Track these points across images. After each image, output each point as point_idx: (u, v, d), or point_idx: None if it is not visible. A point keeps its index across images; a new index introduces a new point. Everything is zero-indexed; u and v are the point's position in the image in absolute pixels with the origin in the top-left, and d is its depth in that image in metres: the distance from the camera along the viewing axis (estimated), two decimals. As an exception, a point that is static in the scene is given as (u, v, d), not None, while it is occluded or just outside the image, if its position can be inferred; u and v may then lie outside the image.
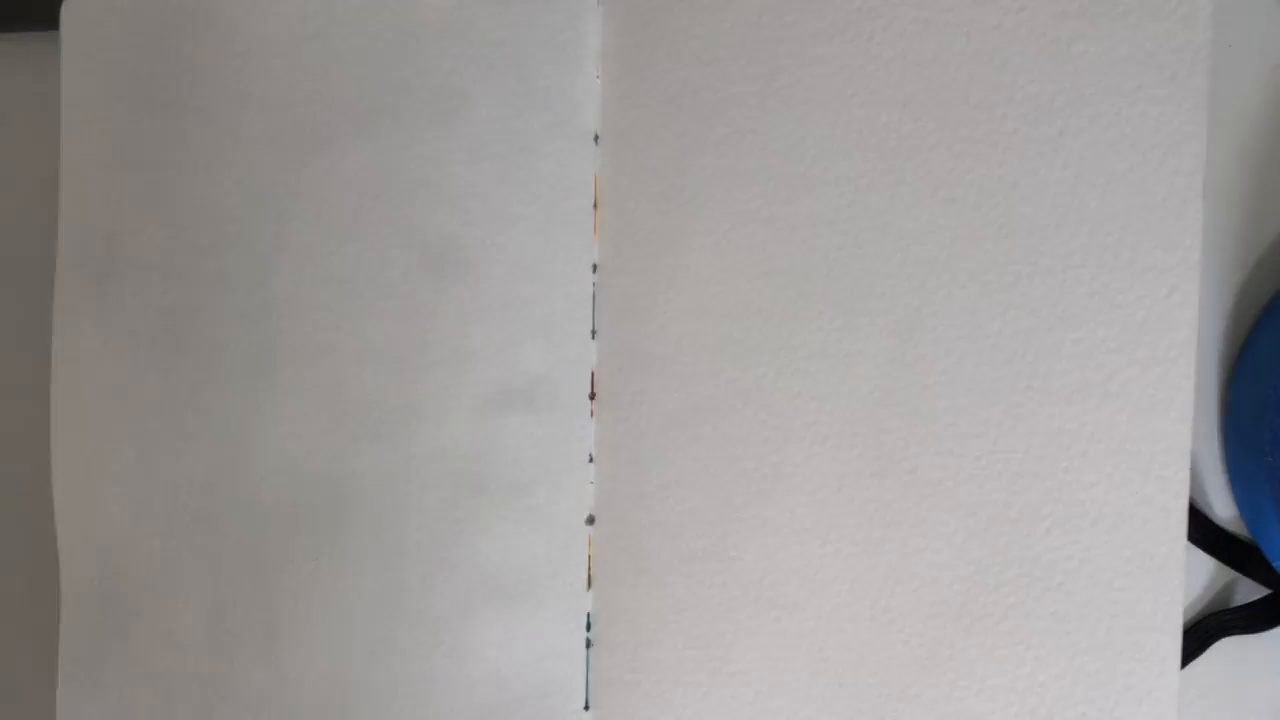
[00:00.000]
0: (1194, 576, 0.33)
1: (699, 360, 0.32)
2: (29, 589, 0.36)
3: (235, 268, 0.33)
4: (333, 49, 0.32)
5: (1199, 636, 0.32)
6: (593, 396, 0.32)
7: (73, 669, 0.33)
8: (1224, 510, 0.33)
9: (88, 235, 0.33)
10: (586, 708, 0.32)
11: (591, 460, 0.32)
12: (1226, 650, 0.32)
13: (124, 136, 0.33)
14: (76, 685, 0.33)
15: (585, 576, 0.32)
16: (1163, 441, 0.29)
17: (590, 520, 0.33)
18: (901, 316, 0.30)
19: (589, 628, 0.32)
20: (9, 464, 0.36)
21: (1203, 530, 0.32)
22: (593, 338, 0.32)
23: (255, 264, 0.33)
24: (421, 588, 0.33)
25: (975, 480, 0.30)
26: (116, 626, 0.33)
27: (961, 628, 0.30)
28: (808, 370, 0.31)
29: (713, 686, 0.32)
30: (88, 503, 0.33)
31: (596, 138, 0.32)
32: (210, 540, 0.33)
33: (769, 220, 0.31)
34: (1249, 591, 0.33)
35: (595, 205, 0.32)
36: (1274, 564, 0.31)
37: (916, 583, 0.30)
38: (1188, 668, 0.32)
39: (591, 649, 0.32)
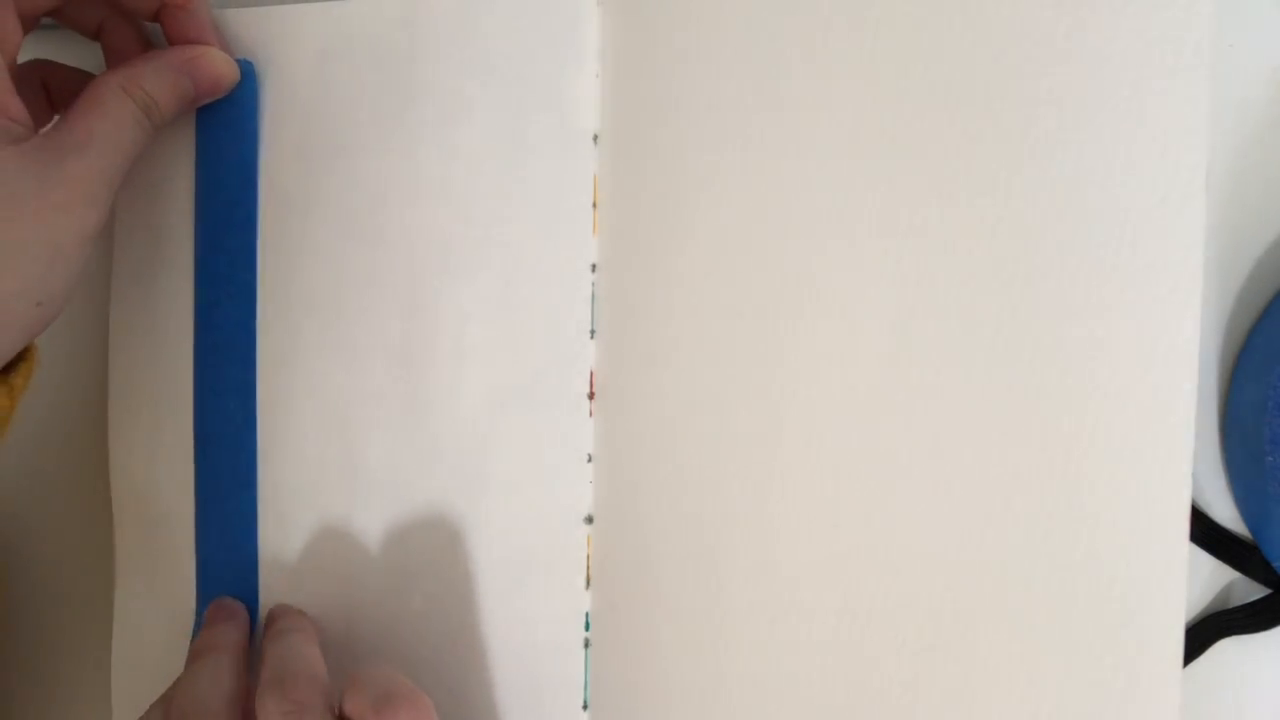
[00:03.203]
0: (1194, 576, 0.33)
1: (698, 360, 0.32)
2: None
3: (268, 269, 0.35)
4: (350, 66, 0.34)
5: (1199, 636, 0.32)
6: (591, 396, 0.32)
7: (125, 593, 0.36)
8: (1224, 510, 0.33)
9: (138, 238, 0.36)
10: (585, 707, 0.32)
11: (590, 459, 0.32)
12: (1226, 650, 0.32)
13: (169, 151, 0.35)
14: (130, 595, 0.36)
15: (584, 576, 0.32)
16: (1164, 441, 0.29)
17: (589, 520, 0.33)
18: (900, 316, 0.30)
19: (588, 627, 0.32)
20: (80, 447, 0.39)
21: (1203, 530, 0.32)
22: (592, 337, 0.32)
23: (284, 265, 0.34)
24: (422, 581, 0.33)
25: (975, 480, 0.30)
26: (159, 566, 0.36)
27: (961, 629, 0.30)
28: (806, 370, 0.31)
29: (712, 686, 0.32)
30: (138, 475, 0.36)
31: (596, 138, 0.32)
32: None
33: (768, 220, 0.31)
34: (1249, 591, 0.33)
35: (595, 205, 0.32)
36: (1274, 564, 0.31)
37: (916, 583, 0.30)
38: (1188, 668, 0.32)
39: (590, 649, 0.32)
